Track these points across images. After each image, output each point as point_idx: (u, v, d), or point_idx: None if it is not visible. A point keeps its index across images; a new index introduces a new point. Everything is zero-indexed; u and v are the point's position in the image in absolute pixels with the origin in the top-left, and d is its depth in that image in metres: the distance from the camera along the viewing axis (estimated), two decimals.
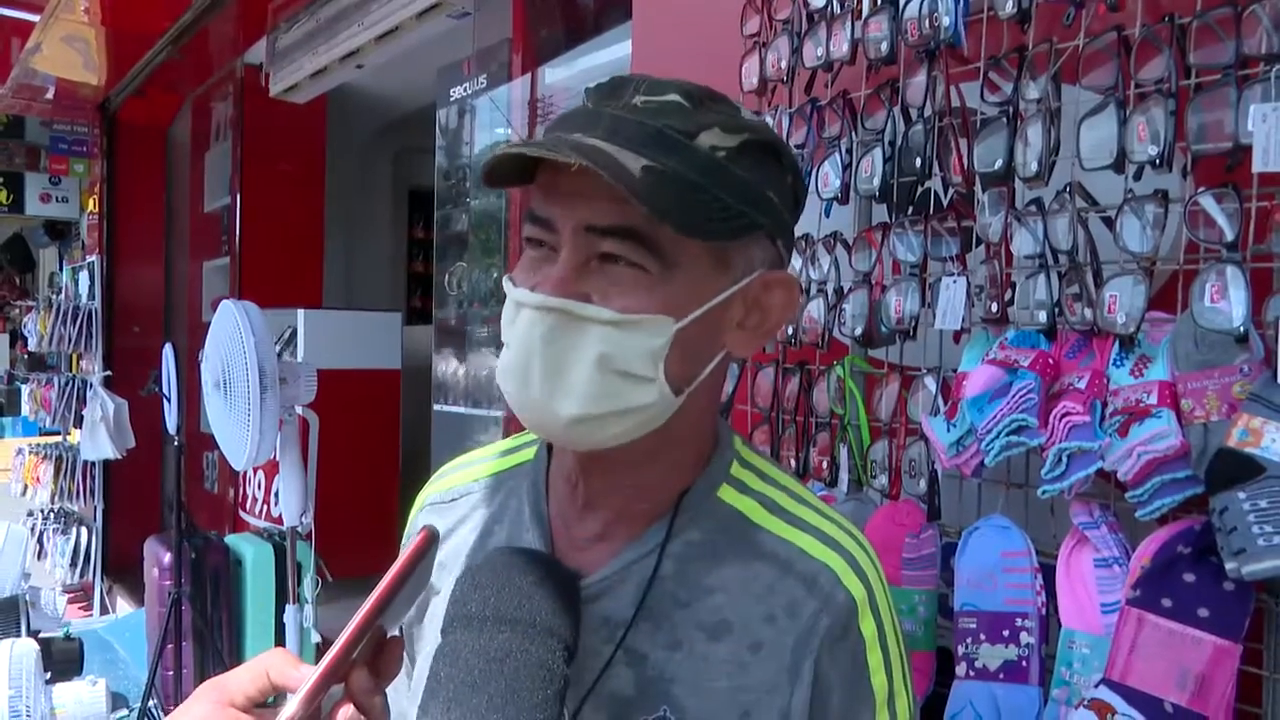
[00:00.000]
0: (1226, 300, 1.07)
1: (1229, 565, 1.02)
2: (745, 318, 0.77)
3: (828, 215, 1.63)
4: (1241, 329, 1.06)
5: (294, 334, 4.52)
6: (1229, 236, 1.09)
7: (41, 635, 3.30)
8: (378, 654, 0.64)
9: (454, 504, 0.90)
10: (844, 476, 1.60)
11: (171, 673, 3.59)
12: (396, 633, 0.67)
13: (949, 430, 1.35)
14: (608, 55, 3.02)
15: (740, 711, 0.74)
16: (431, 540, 0.66)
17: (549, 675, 0.68)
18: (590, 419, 0.72)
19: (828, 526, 0.80)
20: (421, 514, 0.93)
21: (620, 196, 0.68)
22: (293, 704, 0.58)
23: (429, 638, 0.83)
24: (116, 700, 3.55)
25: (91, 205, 6.85)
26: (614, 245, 0.71)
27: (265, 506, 4.30)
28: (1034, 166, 1.27)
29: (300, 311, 4.56)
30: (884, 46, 1.48)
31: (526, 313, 0.72)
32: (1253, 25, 1.09)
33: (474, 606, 0.71)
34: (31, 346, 7.02)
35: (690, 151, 0.70)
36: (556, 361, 0.71)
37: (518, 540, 0.83)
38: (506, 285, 0.76)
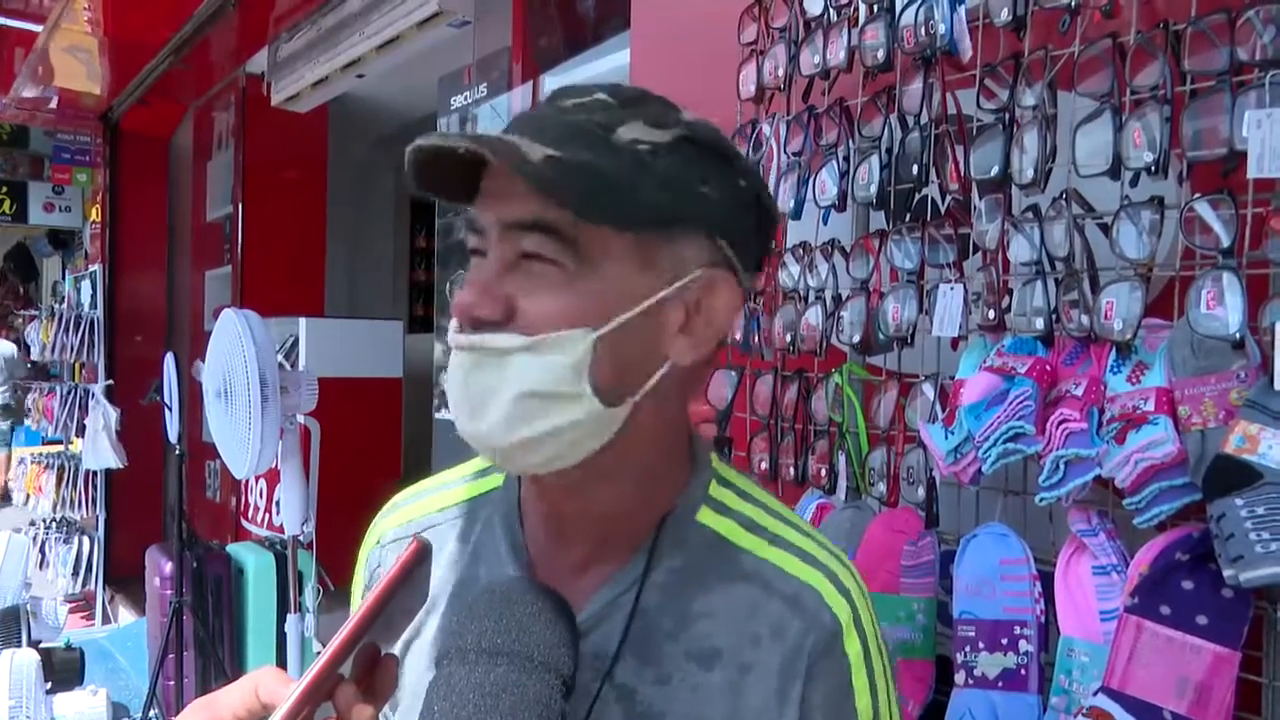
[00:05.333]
0: (1223, 306, 1.07)
1: (1227, 572, 1.02)
2: (687, 322, 0.74)
3: (825, 223, 1.63)
4: (1238, 335, 1.05)
5: (295, 342, 4.52)
6: (1225, 242, 1.09)
7: (42, 645, 3.30)
8: (370, 672, 0.62)
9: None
10: (842, 484, 1.60)
11: (173, 682, 3.58)
12: (394, 651, 0.65)
13: (947, 437, 1.35)
14: (607, 64, 3.02)
15: None
16: (422, 553, 0.64)
17: (546, 711, 0.66)
18: (526, 442, 0.70)
19: (809, 545, 0.79)
20: (377, 551, 0.90)
21: (529, 192, 0.68)
22: None
23: (409, 671, 0.81)
24: (118, 710, 3.55)
25: (94, 214, 6.87)
26: (532, 242, 0.69)
27: (267, 515, 4.30)
28: (1030, 173, 1.27)
29: (302, 320, 4.56)
30: (880, 54, 1.49)
31: (450, 354, 0.72)
32: (1247, 32, 1.09)
33: (469, 639, 0.68)
34: (34, 356, 7.03)
35: (605, 144, 0.69)
36: (481, 396, 0.70)
37: (498, 576, 0.80)
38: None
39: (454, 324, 0.72)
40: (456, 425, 0.73)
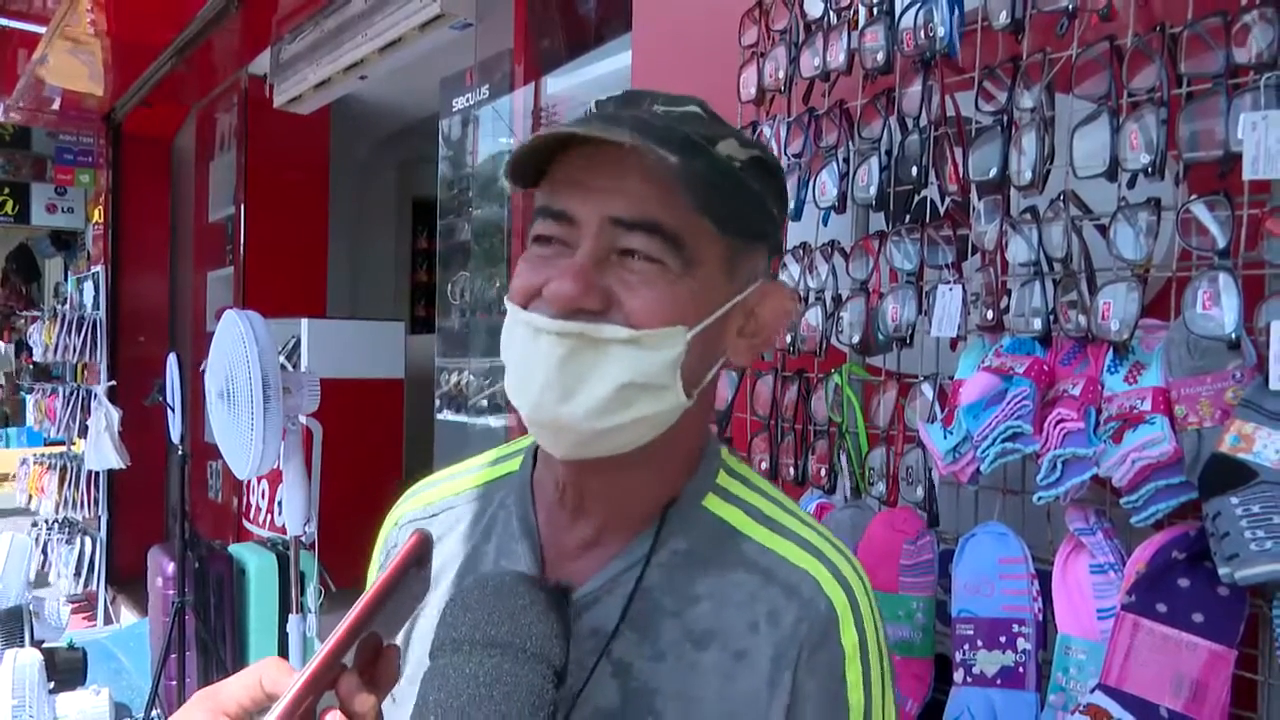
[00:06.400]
0: (1219, 307, 1.08)
1: (1222, 570, 1.03)
2: (744, 325, 0.79)
3: (825, 224, 1.64)
4: (1234, 335, 1.06)
5: (298, 343, 4.53)
6: (1221, 244, 1.10)
7: (45, 645, 3.32)
8: (372, 662, 0.62)
9: (433, 520, 0.89)
10: (842, 484, 1.61)
11: (175, 682, 3.59)
12: (396, 642, 0.66)
13: (945, 437, 1.35)
14: (608, 66, 3.03)
15: None
16: (424, 544, 0.65)
17: (538, 701, 0.67)
18: (614, 428, 0.73)
19: (812, 536, 0.80)
20: (394, 533, 0.92)
21: (643, 192, 0.71)
22: (274, 711, 0.56)
23: (411, 655, 0.82)
24: (120, 710, 3.56)
25: (97, 215, 6.89)
26: (638, 239, 0.71)
27: (269, 516, 4.32)
28: (1028, 175, 1.28)
29: (304, 321, 4.57)
30: (880, 56, 1.50)
31: (538, 337, 0.72)
32: (1243, 35, 1.10)
33: (463, 630, 0.69)
34: (37, 357, 7.05)
35: (713, 157, 0.73)
36: (574, 384, 0.72)
37: (508, 552, 0.82)
38: (509, 305, 0.75)
39: (544, 309, 0.72)
40: (529, 407, 0.74)
